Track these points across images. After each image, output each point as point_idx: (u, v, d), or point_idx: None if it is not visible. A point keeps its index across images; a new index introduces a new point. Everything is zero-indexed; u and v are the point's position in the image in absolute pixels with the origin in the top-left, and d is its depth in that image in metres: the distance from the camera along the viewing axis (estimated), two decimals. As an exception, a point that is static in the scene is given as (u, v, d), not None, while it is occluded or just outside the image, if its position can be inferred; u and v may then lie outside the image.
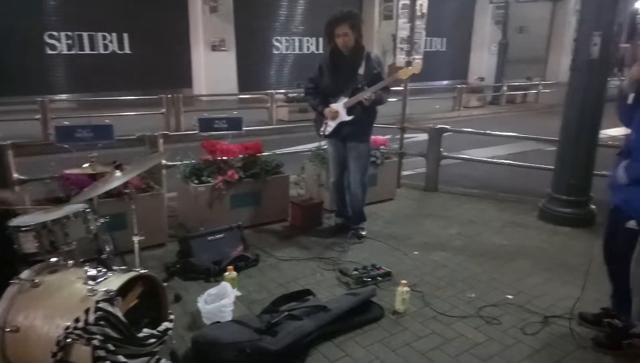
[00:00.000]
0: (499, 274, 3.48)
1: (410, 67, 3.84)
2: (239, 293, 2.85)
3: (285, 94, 11.20)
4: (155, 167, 3.80)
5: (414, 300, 3.04)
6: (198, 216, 3.93)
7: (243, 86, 13.92)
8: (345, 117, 3.78)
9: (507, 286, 3.29)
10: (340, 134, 3.87)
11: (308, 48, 15.92)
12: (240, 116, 4.49)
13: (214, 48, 13.44)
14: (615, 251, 2.58)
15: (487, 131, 6.65)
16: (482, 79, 16.65)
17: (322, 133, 3.98)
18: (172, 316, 2.32)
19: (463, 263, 3.66)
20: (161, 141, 4.42)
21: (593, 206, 4.42)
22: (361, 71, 3.72)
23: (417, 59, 5.07)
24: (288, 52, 15.64)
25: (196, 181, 3.99)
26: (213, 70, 13.40)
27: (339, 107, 3.78)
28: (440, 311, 2.94)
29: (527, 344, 2.64)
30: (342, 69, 3.77)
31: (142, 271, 2.24)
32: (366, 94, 3.65)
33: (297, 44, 15.72)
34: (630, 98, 2.42)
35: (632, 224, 2.40)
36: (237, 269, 3.24)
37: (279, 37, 15.33)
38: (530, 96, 15.56)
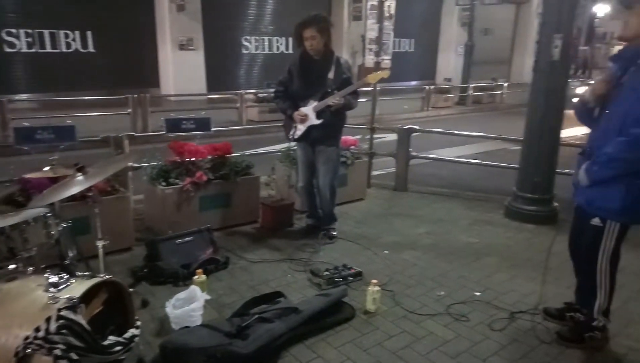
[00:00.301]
0: (467, 271, 3.54)
1: (379, 72, 3.86)
2: (208, 297, 2.80)
3: (255, 94, 11.12)
4: (121, 169, 3.69)
5: (385, 299, 3.06)
6: (166, 219, 3.85)
7: (212, 85, 13.75)
8: (314, 121, 3.77)
9: (475, 283, 3.36)
10: (310, 137, 3.86)
11: (278, 48, 15.86)
12: (209, 116, 4.43)
13: (182, 47, 13.22)
14: (581, 247, 2.65)
15: (455, 131, 6.78)
16: (449, 80, 16.98)
17: (291, 137, 3.96)
18: (138, 323, 2.26)
19: (432, 261, 3.71)
20: (127, 142, 4.31)
21: (556, 204, 4.56)
22: (331, 75, 3.72)
23: (386, 59, 5.12)
24: (257, 51, 15.54)
25: (164, 183, 3.90)
26: (181, 69, 13.17)
27: (309, 111, 3.78)
28: (410, 310, 2.97)
29: (495, 340, 2.70)
30: (311, 73, 3.76)
31: (107, 276, 2.18)
32: (335, 98, 3.65)
33: (266, 43, 15.64)
34: (596, 111, 2.49)
35: (596, 221, 2.47)
36: (206, 272, 3.19)
37: (248, 37, 15.21)
38: (496, 97, 15.97)
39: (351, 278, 3.29)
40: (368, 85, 4.36)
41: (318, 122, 3.76)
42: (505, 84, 16.50)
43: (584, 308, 2.69)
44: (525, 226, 4.45)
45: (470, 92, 15.02)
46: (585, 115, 2.56)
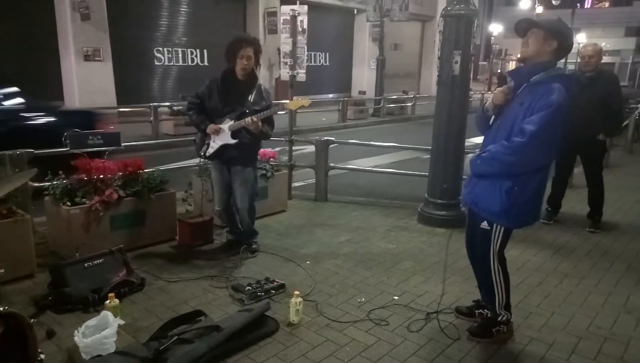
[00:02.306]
0: (386, 277, 3.67)
1: (300, 99, 3.94)
2: (122, 322, 2.64)
3: (169, 107, 10.76)
4: (19, 189, 3.38)
5: (308, 309, 3.08)
6: (73, 241, 3.57)
7: (122, 98, 13.06)
8: (229, 139, 3.73)
9: (393, 287, 3.49)
10: (224, 157, 3.81)
11: (192, 60, 15.50)
12: (118, 130, 4.21)
13: (87, 58, 12.44)
14: (475, 249, 2.88)
15: (371, 142, 7.03)
16: (363, 92, 17.64)
17: (202, 154, 3.89)
18: (42, 356, 2.08)
19: (353, 268, 3.80)
20: (26, 160, 3.96)
21: (464, 208, 4.88)
22: (251, 98, 3.72)
23: (301, 73, 5.20)
24: (171, 63, 15.07)
25: (69, 203, 3.64)
26: (87, 82, 12.38)
27: (224, 128, 3.73)
28: (333, 319, 3.01)
29: (413, 341, 2.82)
30: (232, 92, 3.73)
31: (2, 308, 1.98)
32: (253, 118, 3.62)
33: (180, 55, 15.22)
34: (492, 119, 2.73)
35: (484, 225, 2.70)
36: (119, 296, 3.01)
37: (160, 48, 14.71)
38: (407, 108, 16.84)
39: (274, 291, 3.27)
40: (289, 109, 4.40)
41: (233, 141, 3.72)
42: (416, 97, 17.45)
43: (489, 304, 2.90)
44: (437, 230, 4.71)
45: (384, 105, 15.70)
46: (483, 123, 2.80)
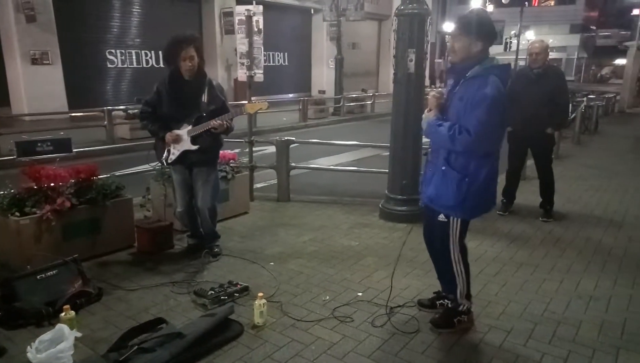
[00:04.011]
0: (349, 274, 3.70)
1: (258, 103, 3.91)
2: (79, 334, 2.55)
3: (124, 110, 10.44)
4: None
5: (273, 311, 3.06)
6: (23, 253, 3.42)
7: (74, 103, 12.62)
8: (190, 146, 3.65)
9: (357, 284, 3.52)
10: (186, 161, 3.74)
11: (147, 62, 15.14)
12: (69, 136, 4.05)
13: (35, 61, 11.95)
14: (435, 242, 2.95)
15: (332, 141, 7.07)
16: (323, 92, 17.70)
17: (164, 161, 3.79)
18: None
19: (317, 267, 3.81)
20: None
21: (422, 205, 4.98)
22: (204, 98, 3.63)
23: (258, 73, 5.16)
24: (125, 65, 14.66)
25: (18, 214, 3.47)
26: (34, 86, 11.88)
27: (183, 134, 3.65)
28: (297, 318, 3.01)
29: (377, 336, 2.85)
30: (183, 95, 3.62)
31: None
32: (212, 124, 3.56)
33: (134, 57, 14.82)
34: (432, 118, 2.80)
35: (442, 217, 2.79)
36: (75, 307, 2.90)
37: (113, 50, 14.29)
38: (367, 107, 17.02)
39: (238, 294, 3.24)
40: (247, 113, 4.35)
41: (194, 148, 3.65)
42: (375, 95, 17.66)
43: (450, 294, 2.98)
44: (398, 225, 4.79)
45: (344, 103, 15.82)
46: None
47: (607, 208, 5.56)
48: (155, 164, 4.22)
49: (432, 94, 2.80)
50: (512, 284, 3.55)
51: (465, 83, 2.63)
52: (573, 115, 9.85)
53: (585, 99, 13.08)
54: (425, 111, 2.83)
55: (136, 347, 2.43)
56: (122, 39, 14.51)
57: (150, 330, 2.67)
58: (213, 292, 3.17)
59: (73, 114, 11.77)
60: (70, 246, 3.61)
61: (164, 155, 3.76)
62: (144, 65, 15.05)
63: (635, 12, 24.48)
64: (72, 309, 2.79)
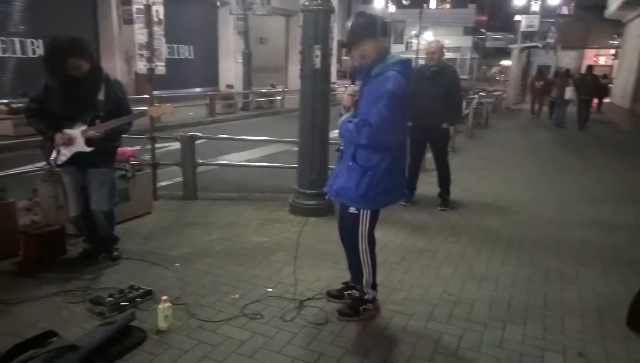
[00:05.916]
0: (259, 270, 3.67)
1: (162, 106, 3.72)
2: (-50, 358, 2.26)
3: (7, 104, 9.43)
4: None
5: (178, 313, 2.94)
6: None
7: (-55, 96, 11.12)
8: (84, 147, 3.36)
9: (267, 280, 3.50)
10: (78, 161, 3.44)
11: (34, 51, 13.74)
12: None
13: None
14: (346, 232, 3.03)
15: (240, 137, 6.95)
16: (231, 86, 17.33)
17: (52, 162, 3.45)
18: None
19: (225, 266, 3.73)
20: None
21: (327, 197, 5.08)
22: (101, 96, 3.36)
23: (160, 66, 4.92)
24: (7, 55, 13.19)
25: None
26: None
27: (76, 134, 3.34)
28: (205, 319, 2.92)
29: (288, 330, 2.86)
30: (76, 93, 3.31)
31: None
32: (110, 126, 3.33)
33: (18, 46, 13.39)
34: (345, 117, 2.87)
35: (352, 209, 2.88)
36: (-54, 327, 2.56)
37: (-8, 38, 12.80)
38: (276, 102, 16.99)
39: (140, 299, 3.07)
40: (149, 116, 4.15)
41: (88, 150, 3.37)
42: (284, 91, 17.67)
43: (358, 284, 3.07)
44: (309, 219, 4.83)
45: (253, 99, 15.64)
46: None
47: (496, 196, 6.10)
48: (43, 164, 3.85)
49: (347, 92, 2.86)
50: (414, 270, 3.75)
51: (370, 81, 2.72)
52: (466, 111, 10.66)
53: (477, 96, 14.23)
54: (342, 110, 2.87)
55: (21, 365, 2.20)
56: (4, 25, 13.02)
57: (39, 345, 2.44)
58: (112, 299, 2.97)
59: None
60: (-62, 258, 3.18)
61: (53, 155, 3.43)
62: (31, 55, 13.64)
63: (517, 17, 27.00)
64: (-59, 329, 2.46)
